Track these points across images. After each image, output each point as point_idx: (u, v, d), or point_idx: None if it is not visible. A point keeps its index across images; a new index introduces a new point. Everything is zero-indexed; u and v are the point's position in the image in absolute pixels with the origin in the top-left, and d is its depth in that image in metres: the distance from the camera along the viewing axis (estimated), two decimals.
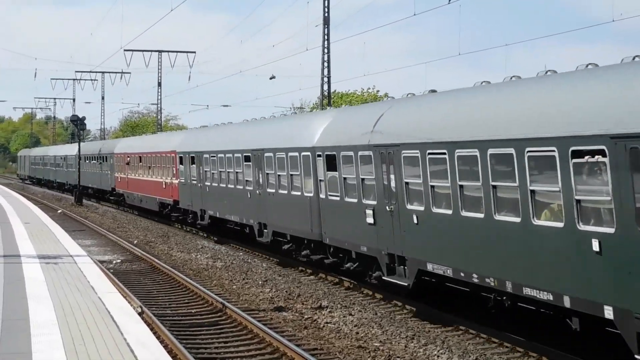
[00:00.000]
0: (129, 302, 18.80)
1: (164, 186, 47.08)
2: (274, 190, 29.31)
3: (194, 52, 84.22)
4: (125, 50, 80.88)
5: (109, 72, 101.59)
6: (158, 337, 16.44)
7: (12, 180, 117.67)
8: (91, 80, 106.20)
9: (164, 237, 40.38)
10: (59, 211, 55.21)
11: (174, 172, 44.63)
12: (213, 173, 36.99)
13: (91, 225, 45.99)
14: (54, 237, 30.64)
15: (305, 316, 20.89)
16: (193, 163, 40.24)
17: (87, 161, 72.36)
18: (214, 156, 36.70)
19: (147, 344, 13.46)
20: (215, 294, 23.47)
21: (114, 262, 31.13)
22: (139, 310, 19.06)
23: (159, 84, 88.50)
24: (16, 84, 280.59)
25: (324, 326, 19.76)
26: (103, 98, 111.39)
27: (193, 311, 21.98)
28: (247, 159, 32.39)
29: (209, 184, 37.59)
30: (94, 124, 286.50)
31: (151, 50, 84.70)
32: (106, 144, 70.96)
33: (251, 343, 18.24)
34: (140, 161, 53.28)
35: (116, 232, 42.52)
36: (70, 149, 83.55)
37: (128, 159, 56.88)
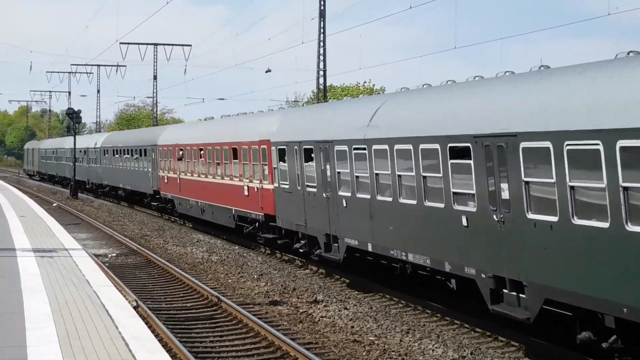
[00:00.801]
0: (124, 296, 18.81)
1: (246, 192, 32.41)
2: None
3: (190, 45, 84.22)
4: (120, 43, 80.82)
5: (105, 65, 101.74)
6: (153, 331, 16.43)
7: (7, 174, 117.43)
8: (87, 73, 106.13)
9: (159, 230, 40.36)
10: (55, 204, 55.15)
11: (265, 172, 30.25)
12: (359, 177, 22.52)
13: (86, 218, 45.96)
14: (49, 231, 30.61)
15: (301, 310, 20.90)
16: (310, 159, 25.81)
17: (117, 155, 59.42)
18: (382, 146, 21.10)
19: (142, 337, 13.46)
20: (211, 288, 23.47)
21: (109, 255, 31.12)
22: (134, 304, 19.07)
23: (155, 77, 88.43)
24: (12, 77, 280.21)
25: (319, 320, 19.78)
26: (99, 91, 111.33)
27: (188, 305, 21.98)
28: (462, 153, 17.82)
29: (349, 194, 23.11)
30: (89, 117, 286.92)
31: (147, 43, 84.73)
32: (145, 133, 57.19)
33: (246, 337, 18.25)
34: (202, 156, 38.82)
35: (112, 225, 42.49)
36: (91, 140, 71.65)
37: (181, 152, 42.53)
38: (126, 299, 17.89)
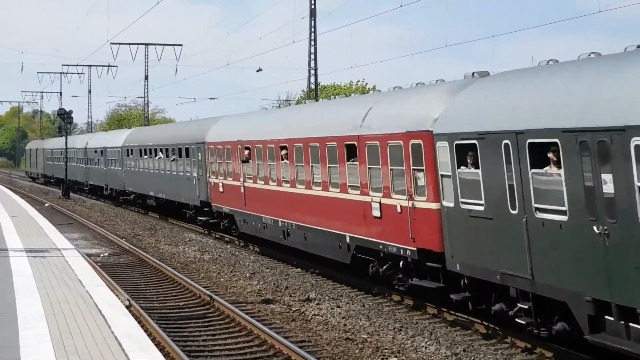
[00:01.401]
0: (117, 296, 18.81)
1: (375, 213, 21.44)
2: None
3: (181, 45, 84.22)
4: (111, 43, 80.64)
5: (96, 66, 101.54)
6: (146, 330, 16.43)
7: (0, 174, 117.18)
8: (78, 73, 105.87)
9: (152, 230, 40.33)
10: (47, 204, 55.06)
11: (420, 182, 19.39)
12: None
13: (79, 218, 45.90)
14: (41, 231, 30.59)
15: (293, 308, 20.92)
16: (544, 163, 15.05)
17: (146, 155, 48.56)
18: None
19: (134, 337, 13.48)
20: (203, 287, 23.48)
21: (102, 255, 31.09)
22: (127, 303, 19.08)
23: (146, 77, 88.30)
24: (2, 78, 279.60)
25: (311, 318, 19.80)
26: (90, 91, 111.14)
27: (181, 304, 21.98)
28: None
29: None
30: (81, 117, 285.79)
31: (138, 44, 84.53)
32: (188, 128, 43.39)
33: (239, 335, 18.26)
34: (286, 157, 27.49)
35: (104, 225, 42.45)
36: (110, 138, 60.35)
37: (247, 151, 31.02)
38: (119, 299, 17.90)
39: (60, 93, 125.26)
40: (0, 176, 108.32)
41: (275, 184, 28.28)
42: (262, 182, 29.45)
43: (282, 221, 27.90)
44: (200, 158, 37.57)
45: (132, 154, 51.87)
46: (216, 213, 35.82)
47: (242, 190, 31.57)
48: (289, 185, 27.17)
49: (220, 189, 34.44)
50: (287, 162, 27.05)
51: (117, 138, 57.37)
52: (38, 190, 76.45)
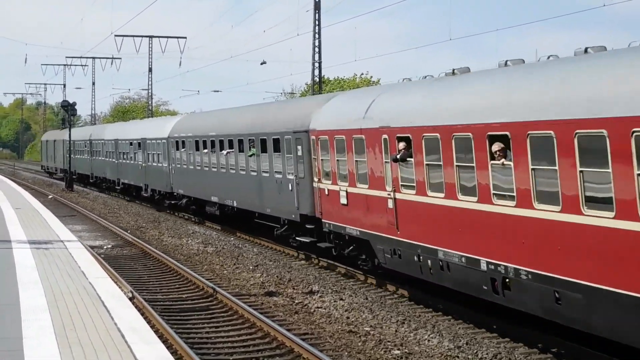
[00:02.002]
0: (120, 288, 18.82)
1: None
2: None
3: (185, 38, 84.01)
4: (115, 35, 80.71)
5: (100, 58, 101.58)
6: (149, 322, 16.47)
7: (3, 166, 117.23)
8: (82, 65, 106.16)
9: (155, 222, 40.35)
10: (50, 197, 55.11)
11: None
12: None
13: (82, 210, 45.93)
14: (44, 223, 30.61)
15: (296, 301, 20.94)
16: None
17: (206, 149, 37.14)
18: None
19: (138, 329, 13.48)
20: (206, 279, 23.50)
21: (105, 247, 31.12)
22: (130, 295, 19.09)
23: (150, 70, 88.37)
24: (6, 70, 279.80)
25: (314, 311, 19.81)
26: (94, 83, 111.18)
27: (184, 296, 22.00)
28: None
29: None
30: (84, 109, 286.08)
31: (142, 36, 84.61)
32: (275, 111, 31.79)
33: (242, 328, 18.28)
34: (502, 154, 15.94)
35: (107, 217, 42.48)
36: (153, 128, 48.55)
37: (401, 145, 20.13)
38: (122, 291, 17.91)
39: (64, 85, 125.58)
40: (3, 168, 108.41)
41: (472, 198, 16.88)
42: (441, 195, 18.17)
43: (490, 262, 16.50)
44: (300, 153, 26.58)
45: (183, 147, 40.56)
46: (331, 234, 24.94)
47: (392, 205, 20.67)
48: (511, 203, 15.59)
49: (342, 200, 23.50)
50: (507, 162, 15.70)
51: (161, 127, 46.29)
52: (41, 182, 76.48)
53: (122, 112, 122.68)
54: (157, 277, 25.13)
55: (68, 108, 67.32)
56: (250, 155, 31.24)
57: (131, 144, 52.21)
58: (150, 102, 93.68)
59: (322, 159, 24.78)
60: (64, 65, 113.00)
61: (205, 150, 37.11)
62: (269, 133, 29.53)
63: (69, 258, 21.41)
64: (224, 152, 34.62)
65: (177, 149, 41.76)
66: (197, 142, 38.51)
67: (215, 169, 36.01)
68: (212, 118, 39.45)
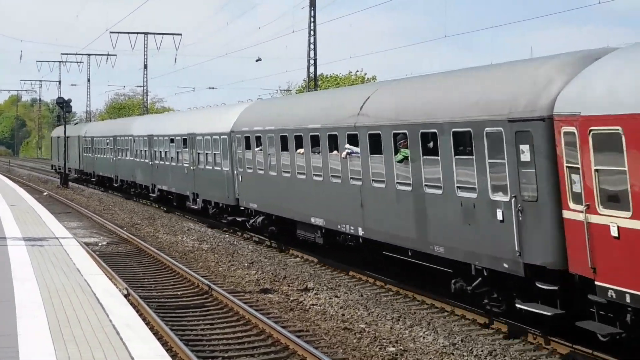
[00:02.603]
0: (115, 284, 18.82)
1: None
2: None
3: (180, 35, 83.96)
4: (111, 32, 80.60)
5: (95, 55, 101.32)
6: (144, 319, 16.45)
7: None
8: (77, 62, 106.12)
9: (150, 219, 40.32)
10: (45, 193, 55.06)
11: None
12: None
13: (77, 207, 45.88)
14: (39, 220, 30.59)
15: (291, 298, 20.94)
16: None
17: (300, 149, 26.15)
18: None
19: (132, 325, 13.49)
20: (201, 276, 23.49)
21: (100, 244, 31.10)
22: (125, 292, 19.09)
23: (145, 66, 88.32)
24: (1, 66, 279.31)
25: (310, 308, 19.81)
26: (89, 80, 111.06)
27: (179, 293, 21.99)
28: None
29: None
30: (79, 106, 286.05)
31: (137, 33, 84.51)
32: (462, 80, 18.76)
33: (237, 325, 18.27)
34: None
35: (102, 214, 42.44)
36: (204, 121, 37.64)
37: None
38: (117, 288, 17.92)
39: (59, 82, 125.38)
40: None
41: None
42: None
43: None
44: (527, 157, 15.53)
45: (258, 145, 29.71)
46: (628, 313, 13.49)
47: None
48: None
49: None
50: None
51: (218, 119, 35.29)
52: (36, 179, 76.40)
53: (118, 109, 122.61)
54: (152, 274, 25.11)
55: (63, 105, 67.26)
56: (400, 161, 19.99)
57: (172, 140, 41.19)
58: (145, 99, 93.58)
59: (597, 170, 13.47)
60: (59, 62, 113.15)
61: (301, 150, 25.85)
62: (445, 124, 18.00)
63: (64, 255, 21.40)
64: (343, 152, 22.79)
65: (248, 147, 30.57)
66: (284, 137, 27.05)
67: (319, 178, 24.61)
68: (313, 102, 28.05)
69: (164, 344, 15.59)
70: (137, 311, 16.85)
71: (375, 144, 21.12)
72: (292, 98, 34.88)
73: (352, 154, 22.35)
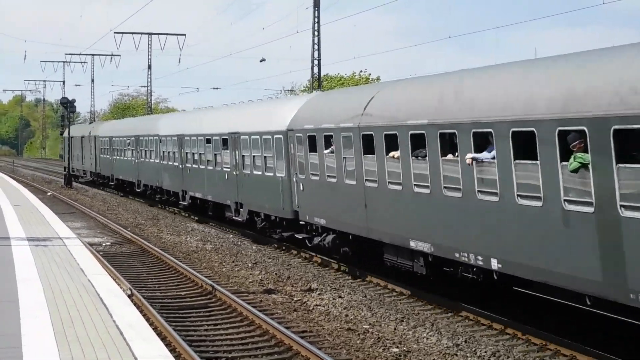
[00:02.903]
0: (119, 285, 18.81)
1: None
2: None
3: (184, 35, 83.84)
4: (115, 32, 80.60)
5: (99, 55, 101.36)
6: (147, 320, 16.46)
7: (2, 163, 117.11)
8: (81, 62, 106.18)
9: (154, 219, 40.33)
10: (49, 194, 55.07)
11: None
12: None
13: (81, 207, 45.90)
14: (43, 220, 30.59)
15: (295, 299, 20.93)
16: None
17: (451, 155, 17.90)
18: None
19: (136, 326, 13.47)
20: (205, 277, 23.49)
21: (104, 244, 31.11)
22: (129, 292, 19.07)
23: (149, 67, 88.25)
24: (5, 66, 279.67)
25: (313, 308, 19.80)
26: (93, 81, 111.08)
27: (183, 293, 22.00)
28: None
29: None
30: (83, 106, 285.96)
31: (141, 33, 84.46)
32: None
33: (241, 325, 18.27)
34: None
35: (106, 214, 42.46)
36: (251, 116, 32.48)
37: None
38: (120, 288, 17.90)
39: (63, 82, 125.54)
40: (2, 165, 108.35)
41: None
42: None
43: None
44: None
45: (326, 146, 24.06)
46: None
47: None
48: None
49: None
50: None
51: (267, 116, 29.91)
52: (40, 179, 76.42)
53: (122, 109, 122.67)
54: (155, 274, 25.12)
55: (67, 105, 67.24)
56: (575, 170, 14.09)
57: (208, 141, 35.99)
58: (149, 99, 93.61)
59: None
60: (63, 62, 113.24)
61: (395, 154, 19.97)
62: None
63: (68, 255, 21.40)
64: (467, 158, 17.04)
65: (312, 149, 24.91)
66: (367, 137, 21.33)
67: (424, 190, 18.90)
68: (413, 92, 20.69)
69: (168, 344, 15.58)
70: (141, 311, 16.84)
71: (526, 145, 15.23)
72: (378, 87, 25.10)
73: (482, 160, 16.74)
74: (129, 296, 17.67)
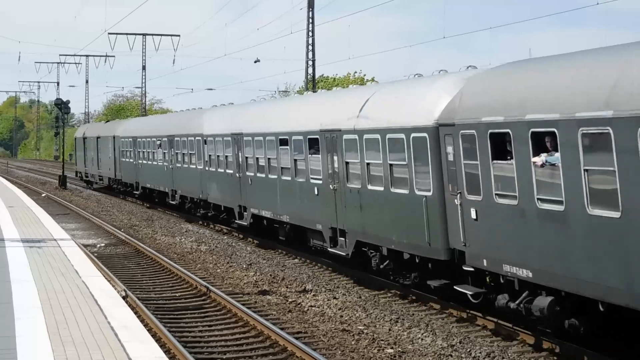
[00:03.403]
0: (113, 286, 18.81)
1: None
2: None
3: (179, 36, 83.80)
4: (109, 33, 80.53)
5: (93, 56, 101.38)
6: (142, 321, 16.44)
7: None
8: (75, 63, 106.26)
9: (148, 220, 40.29)
10: (43, 195, 55.00)
11: None
12: None
13: (75, 209, 45.84)
14: (38, 221, 30.56)
15: (290, 300, 20.92)
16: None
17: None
18: None
19: (131, 327, 13.47)
20: (200, 278, 23.47)
21: (98, 245, 31.07)
22: (123, 294, 19.06)
23: (144, 68, 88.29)
24: (0, 68, 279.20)
25: (308, 310, 19.80)
26: (87, 82, 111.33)
27: (177, 295, 21.97)
28: None
29: None
30: (78, 107, 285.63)
31: (135, 34, 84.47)
32: None
33: (235, 326, 18.26)
34: None
35: (100, 215, 42.41)
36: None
37: None
38: (115, 289, 17.90)
39: (58, 83, 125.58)
40: None
41: None
42: None
43: None
44: None
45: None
46: None
47: None
48: None
49: None
50: None
51: (388, 106, 21.14)
52: (35, 180, 76.32)
53: (117, 110, 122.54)
54: (150, 275, 25.09)
55: (62, 106, 67.13)
56: None
57: (284, 142, 27.22)
58: (144, 100, 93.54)
59: None
60: (58, 63, 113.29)
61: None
62: None
63: (62, 256, 21.38)
64: None
65: (501, 154, 16.04)
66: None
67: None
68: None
69: (162, 345, 15.58)
70: (135, 313, 16.81)
71: None
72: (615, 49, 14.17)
73: None
74: (124, 297, 17.67)
